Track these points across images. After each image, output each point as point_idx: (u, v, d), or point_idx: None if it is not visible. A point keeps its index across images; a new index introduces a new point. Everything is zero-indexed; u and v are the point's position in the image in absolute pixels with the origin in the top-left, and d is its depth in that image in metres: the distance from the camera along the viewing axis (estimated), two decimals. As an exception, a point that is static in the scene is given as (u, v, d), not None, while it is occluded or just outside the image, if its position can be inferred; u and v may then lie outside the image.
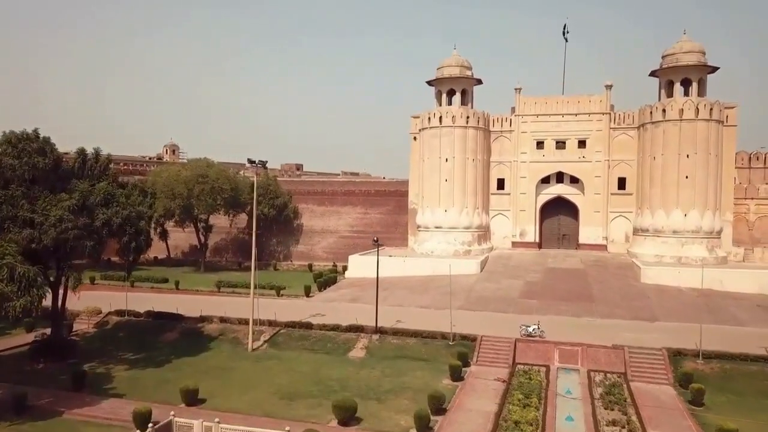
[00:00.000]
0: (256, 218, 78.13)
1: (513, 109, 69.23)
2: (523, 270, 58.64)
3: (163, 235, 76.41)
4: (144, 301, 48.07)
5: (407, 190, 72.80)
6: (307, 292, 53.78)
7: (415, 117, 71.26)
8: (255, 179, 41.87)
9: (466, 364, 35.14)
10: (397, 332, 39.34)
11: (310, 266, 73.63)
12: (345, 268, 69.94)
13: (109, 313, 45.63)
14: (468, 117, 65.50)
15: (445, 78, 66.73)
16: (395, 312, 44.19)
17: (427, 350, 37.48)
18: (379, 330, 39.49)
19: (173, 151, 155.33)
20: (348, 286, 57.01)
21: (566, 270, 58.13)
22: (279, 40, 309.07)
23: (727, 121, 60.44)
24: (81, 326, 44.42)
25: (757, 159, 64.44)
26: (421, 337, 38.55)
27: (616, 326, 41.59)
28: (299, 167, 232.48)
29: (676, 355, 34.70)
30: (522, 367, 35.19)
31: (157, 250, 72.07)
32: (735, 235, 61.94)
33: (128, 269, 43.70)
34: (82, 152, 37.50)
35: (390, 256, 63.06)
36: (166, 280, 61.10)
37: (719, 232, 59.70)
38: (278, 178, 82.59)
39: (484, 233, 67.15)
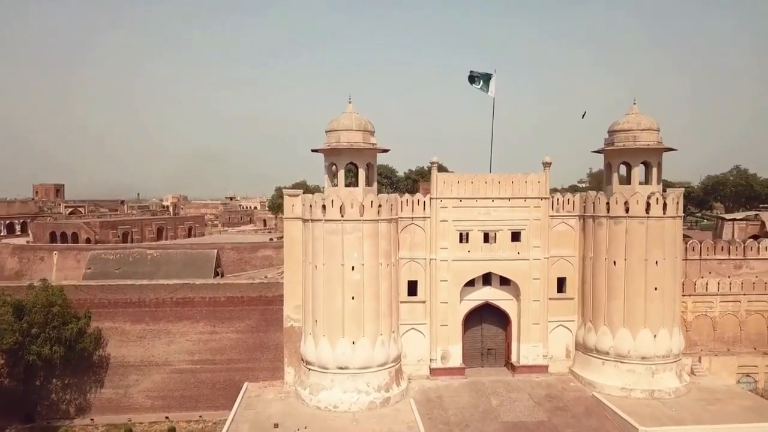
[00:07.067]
0: (29, 362, 48.42)
1: (422, 188, 51.50)
2: (477, 434, 41.21)
3: None
4: None
5: (280, 294, 50.33)
6: None
7: (292, 195, 49.17)
8: None
9: None
10: None
11: (129, 431, 46.54)
12: (193, 436, 45.25)
13: None
14: (380, 206, 45.76)
15: (342, 148, 45.92)
16: None
17: None
18: None
19: None
20: None
21: (530, 426, 42.16)
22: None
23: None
24: None
25: (693, 249, 56.33)
26: None
27: None
28: (59, 189, 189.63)
29: None
30: None
31: None
32: (678, 342, 52.74)
33: None
34: None
35: (276, 426, 40.92)
36: None
37: (683, 351, 49.66)
38: (65, 282, 52.37)
39: (400, 364, 48.14)
